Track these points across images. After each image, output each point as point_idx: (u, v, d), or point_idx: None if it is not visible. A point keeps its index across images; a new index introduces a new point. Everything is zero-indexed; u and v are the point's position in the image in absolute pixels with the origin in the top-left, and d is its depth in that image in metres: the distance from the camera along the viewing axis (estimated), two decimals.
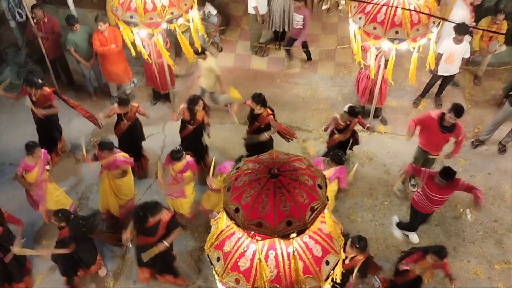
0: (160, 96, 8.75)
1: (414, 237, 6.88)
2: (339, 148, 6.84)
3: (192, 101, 6.79)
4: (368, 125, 7.23)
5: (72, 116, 8.34)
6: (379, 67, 7.24)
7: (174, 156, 6.15)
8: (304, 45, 9.29)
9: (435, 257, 5.34)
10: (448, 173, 5.80)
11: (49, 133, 7.61)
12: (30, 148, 6.19)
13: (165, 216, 5.67)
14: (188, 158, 6.34)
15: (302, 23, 8.82)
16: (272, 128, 6.96)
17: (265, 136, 6.97)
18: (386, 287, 6.05)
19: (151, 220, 5.57)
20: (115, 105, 6.98)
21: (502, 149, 7.93)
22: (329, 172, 6.06)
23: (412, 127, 6.76)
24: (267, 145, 7.14)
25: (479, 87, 9.09)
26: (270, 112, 6.90)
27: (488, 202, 7.30)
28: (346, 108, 6.87)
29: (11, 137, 8.16)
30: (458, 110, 6.29)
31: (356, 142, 7.41)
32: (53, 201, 6.64)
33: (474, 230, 7.00)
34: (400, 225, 6.94)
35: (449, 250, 6.60)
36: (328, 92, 9.04)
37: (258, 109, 6.84)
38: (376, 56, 7.08)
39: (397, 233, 6.94)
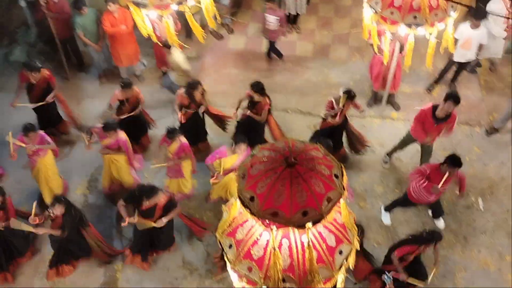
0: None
1: (386, 218, 6.87)
2: (330, 135, 6.77)
3: (191, 86, 6.81)
4: (363, 109, 7.16)
5: (82, 99, 8.34)
6: (393, 52, 7.11)
7: (169, 135, 6.26)
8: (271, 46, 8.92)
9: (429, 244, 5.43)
10: (456, 161, 5.74)
11: (47, 115, 7.58)
12: (26, 130, 6.24)
13: (161, 200, 5.76)
14: (182, 140, 6.41)
15: (278, 24, 8.40)
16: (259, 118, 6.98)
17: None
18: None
19: (147, 203, 5.69)
20: (117, 91, 6.96)
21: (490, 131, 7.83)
22: None
23: (420, 129, 6.63)
24: (258, 129, 7.18)
25: (494, 74, 8.92)
26: (268, 102, 6.88)
27: (500, 193, 7.21)
28: (341, 92, 6.72)
29: (14, 117, 8.13)
30: (456, 97, 6.16)
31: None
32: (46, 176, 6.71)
33: (486, 220, 6.92)
34: (388, 207, 6.85)
35: (459, 239, 6.62)
36: (340, 77, 8.91)
37: (257, 98, 6.82)
38: (391, 41, 6.94)
39: (386, 219, 6.87)
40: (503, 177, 7.39)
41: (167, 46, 7.49)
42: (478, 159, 7.59)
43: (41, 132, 6.47)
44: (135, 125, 7.30)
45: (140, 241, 6.22)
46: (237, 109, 7.16)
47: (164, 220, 5.84)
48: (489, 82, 8.81)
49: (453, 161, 5.77)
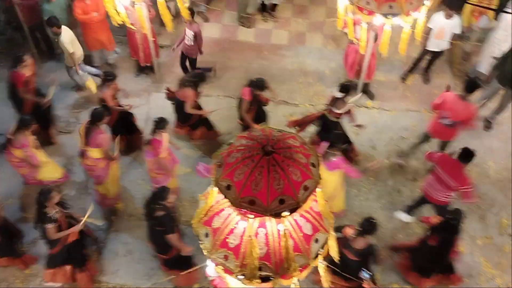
0: (144, 67, 8.53)
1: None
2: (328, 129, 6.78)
3: (199, 77, 6.88)
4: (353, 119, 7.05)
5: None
6: (367, 41, 7.14)
7: (160, 125, 6.09)
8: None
9: None
10: (469, 154, 5.89)
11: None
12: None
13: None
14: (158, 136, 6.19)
15: (193, 39, 7.83)
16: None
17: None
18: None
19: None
20: (106, 93, 6.74)
21: (487, 125, 7.96)
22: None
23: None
24: (261, 116, 7.15)
25: (467, 63, 9.05)
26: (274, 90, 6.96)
27: (472, 178, 7.34)
28: (338, 95, 6.64)
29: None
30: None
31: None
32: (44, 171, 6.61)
33: (458, 206, 7.03)
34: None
35: None
36: (316, 65, 8.93)
37: (260, 92, 6.81)
38: (366, 30, 6.96)
39: (403, 216, 6.88)
40: (474, 163, 7.48)
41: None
42: (450, 146, 7.71)
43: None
44: (123, 121, 7.14)
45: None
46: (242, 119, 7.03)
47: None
48: (462, 71, 8.94)
49: (465, 155, 5.91)
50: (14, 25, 8.71)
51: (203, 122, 7.33)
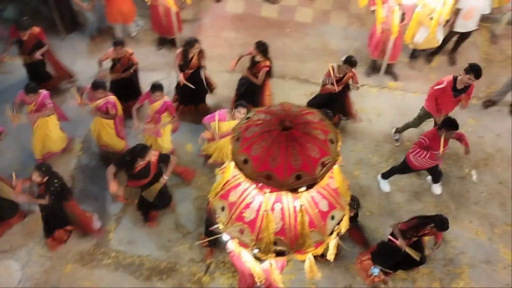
0: (166, 41, 8.52)
1: (385, 186, 6.90)
2: (327, 104, 6.71)
3: (188, 44, 6.67)
4: (358, 84, 6.88)
5: (76, 58, 8.21)
6: (394, 21, 6.98)
7: (153, 89, 6.19)
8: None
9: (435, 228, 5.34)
10: (453, 124, 5.76)
11: (36, 72, 7.48)
12: (28, 90, 6.22)
13: (153, 157, 5.71)
14: (166, 98, 6.36)
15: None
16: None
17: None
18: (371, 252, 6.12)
19: (141, 163, 5.65)
20: (110, 49, 6.85)
21: (487, 103, 7.79)
22: None
23: (433, 104, 6.54)
24: (257, 89, 7.06)
25: (495, 46, 8.82)
26: (268, 64, 6.76)
27: (495, 164, 7.24)
28: (343, 58, 6.62)
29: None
30: (477, 72, 6.08)
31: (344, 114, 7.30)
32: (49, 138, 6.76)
33: (479, 192, 6.96)
34: (386, 174, 6.83)
35: (451, 209, 6.67)
36: (339, 45, 8.78)
37: (259, 58, 6.74)
38: (393, 10, 6.82)
39: (385, 186, 6.89)
40: (498, 149, 7.40)
41: None
42: (474, 131, 7.58)
43: (44, 92, 6.40)
44: (126, 88, 7.19)
45: (140, 203, 6.25)
46: (236, 62, 6.97)
47: (167, 175, 5.86)
48: (489, 54, 8.72)
49: (449, 124, 5.77)
50: None
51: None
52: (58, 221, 6.12)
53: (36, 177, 5.48)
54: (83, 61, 8.20)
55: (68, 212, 6.03)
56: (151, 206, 6.32)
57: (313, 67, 8.37)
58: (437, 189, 6.84)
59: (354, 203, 5.56)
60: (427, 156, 5.93)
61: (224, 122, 6.17)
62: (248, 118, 2.61)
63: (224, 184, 2.80)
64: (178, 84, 7.04)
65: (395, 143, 7.37)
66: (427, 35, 7.53)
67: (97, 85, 6.21)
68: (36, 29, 7.05)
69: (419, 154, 5.97)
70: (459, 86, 6.30)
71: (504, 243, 6.47)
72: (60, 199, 5.77)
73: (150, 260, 6.25)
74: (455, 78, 6.32)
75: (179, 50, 6.80)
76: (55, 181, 5.61)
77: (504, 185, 7.01)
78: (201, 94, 7.37)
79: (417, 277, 6.16)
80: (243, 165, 2.44)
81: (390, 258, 5.78)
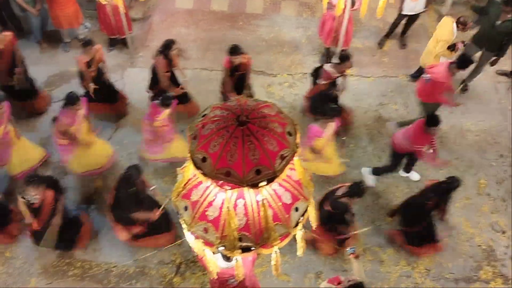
0: (117, 41, 8.32)
1: (415, 175, 6.99)
2: (323, 100, 6.70)
3: (167, 47, 6.52)
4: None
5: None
6: (345, 7, 7.05)
7: (165, 101, 6.00)
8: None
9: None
10: (435, 120, 5.85)
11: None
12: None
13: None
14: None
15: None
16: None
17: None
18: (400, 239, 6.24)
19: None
20: (79, 56, 6.59)
21: (464, 88, 8.02)
22: (330, 130, 6.05)
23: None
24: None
25: None
26: (247, 56, 6.69)
27: (450, 141, 7.46)
28: (335, 60, 6.63)
29: None
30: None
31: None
32: (20, 158, 6.40)
33: (437, 169, 7.15)
34: (377, 171, 6.88)
35: (413, 189, 6.82)
36: (292, 34, 8.82)
37: (238, 60, 6.59)
38: None
39: (370, 180, 6.95)
40: (452, 125, 7.63)
41: None
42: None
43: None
44: (105, 88, 6.98)
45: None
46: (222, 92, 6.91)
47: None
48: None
49: (434, 120, 5.87)
50: None
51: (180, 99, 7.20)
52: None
53: (33, 192, 5.16)
54: (32, 68, 7.87)
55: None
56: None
57: (268, 59, 8.38)
58: (415, 175, 6.97)
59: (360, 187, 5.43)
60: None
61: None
62: (204, 115, 2.57)
63: (186, 183, 2.75)
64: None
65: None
66: None
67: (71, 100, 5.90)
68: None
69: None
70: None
71: (465, 217, 6.69)
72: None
73: (117, 266, 6.12)
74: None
75: (159, 57, 6.57)
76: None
77: (460, 160, 7.24)
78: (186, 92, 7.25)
79: (383, 257, 6.30)
80: (202, 164, 2.40)
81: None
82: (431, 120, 5.84)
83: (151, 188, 5.77)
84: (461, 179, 5.61)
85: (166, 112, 6.15)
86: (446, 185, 5.59)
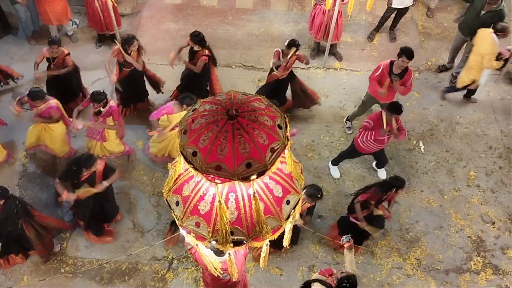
0: (105, 37, 8.26)
1: (335, 173, 6.99)
2: (276, 90, 6.79)
3: (126, 41, 6.46)
4: (308, 61, 6.97)
5: (11, 62, 7.85)
6: (335, 1, 7.06)
7: (95, 98, 6.00)
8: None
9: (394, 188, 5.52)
10: (397, 107, 5.88)
11: None
12: None
13: (99, 166, 5.57)
14: (111, 103, 6.19)
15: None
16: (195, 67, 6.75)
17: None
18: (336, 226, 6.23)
19: (86, 173, 5.53)
20: (44, 49, 6.64)
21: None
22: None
23: (377, 86, 6.54)
24: (202, 79, 6.99)
25: (431, 20, 9.10)
26: (207, 53, 6.68)
27: (440, 133, 7.51)
28: (286, 43, 6.63)
29: None
30: (408, 53, 6.16)
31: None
32: None
33: (427, 161, 7.22)
34: (336, 160, 6.93)
35: None
36: (282, 29, 8.81)
37: (197, 48, 6.66)
38: None
39: (335, 172, 6.99)
40: (442, 119, 7.68)
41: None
42: (418, 103, 7.83)
43: None
44: (65, 89, 6.95)
45: (87, 217, 5.97)
46: (175, 55, 6.85)
47: (105, 184, 5.63)
48: (426, 27, 8.99)
49: (392, 108, 5.90)
50: None
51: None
52: (22, 243, 5.78)
53: None
54: (19, 65, 7.82)
55: (28, 232, 5.62)
56: (99, 219, 6.10)
57: (258, 53, 8.37)
58: (382, 173, 6.99)
59: (318, 193, 5.41)
60: (372, 138, 6.04)
61: (175, 115, 6.08)
62: (194, 109, 2.57)
63: (177, 178, 2.76)
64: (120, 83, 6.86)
65: (348, 131, 7.41)
66: None
67: (34, 96, 5.96)
68: None
69: (365, 136, 6.09)
70: (395, 70, 6.35)
71: (455, 208, 6.76)
72: (24, 219, 5.49)
73: (110, 263, 6.10)
74: (391, 62, 6.38)
75: (116, 47, 6.57)
76: (16, 202, 5.37)
77: (450, 152, 7.30)
78: (142, 92, 7.24)
79: (375, 250, 6.35)
80: (192, 158, 2.40)
81: (350, 232, 5.89)
82: (395, 107, 5.88)
83: None
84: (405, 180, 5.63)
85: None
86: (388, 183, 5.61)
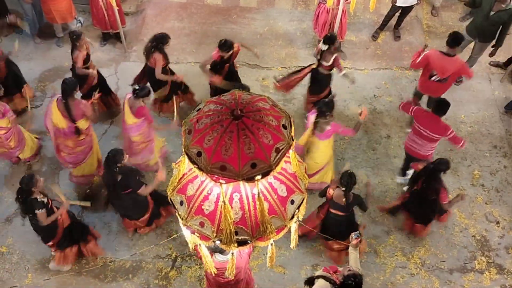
0: (110, 36, 8.28)
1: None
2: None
3: (162, 40, 6.45)
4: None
5: (16, 61, 7.86)
6: (338, 0, 7.04)
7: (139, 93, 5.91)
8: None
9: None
10: (443, 105, 5.95)
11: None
12: None
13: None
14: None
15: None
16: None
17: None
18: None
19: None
20: (77, 53, 6.52)
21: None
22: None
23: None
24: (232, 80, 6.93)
25: (436, 18, 9.06)
26: (237, 45, 6.67)
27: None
28: (324, 47, 6.45)
29: None
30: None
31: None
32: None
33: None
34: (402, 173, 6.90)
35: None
36: (286, 27, 8.80)
37: (228, 55, 6.57)
38: None
39: (400, 180, 6.94)
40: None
41: None
42: (423, 103, 7.75)
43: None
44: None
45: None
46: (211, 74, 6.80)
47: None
48: (431, 26, 8.95)
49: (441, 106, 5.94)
50: None
51: (176, 90, 7.14)
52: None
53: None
54: (24, 64, 7.84)
55: None
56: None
57: (262, 52, 8.34)
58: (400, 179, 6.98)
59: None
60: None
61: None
62: (199, 109, 2.58)
63: (181, 178, 2.76)
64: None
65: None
66: None
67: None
68: None
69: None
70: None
71: (460, 207, 6.73)
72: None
73: (114, 261, 6.12)
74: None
75: (158, 53, 6.45)
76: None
77: (454, 151, 7.26)
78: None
79: (379, 249, 6.34)
80: (196, 158, 2.40)
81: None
82: (445, 105, 5.94)
83: None
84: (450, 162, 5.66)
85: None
86: (433, 166, 5.63)
